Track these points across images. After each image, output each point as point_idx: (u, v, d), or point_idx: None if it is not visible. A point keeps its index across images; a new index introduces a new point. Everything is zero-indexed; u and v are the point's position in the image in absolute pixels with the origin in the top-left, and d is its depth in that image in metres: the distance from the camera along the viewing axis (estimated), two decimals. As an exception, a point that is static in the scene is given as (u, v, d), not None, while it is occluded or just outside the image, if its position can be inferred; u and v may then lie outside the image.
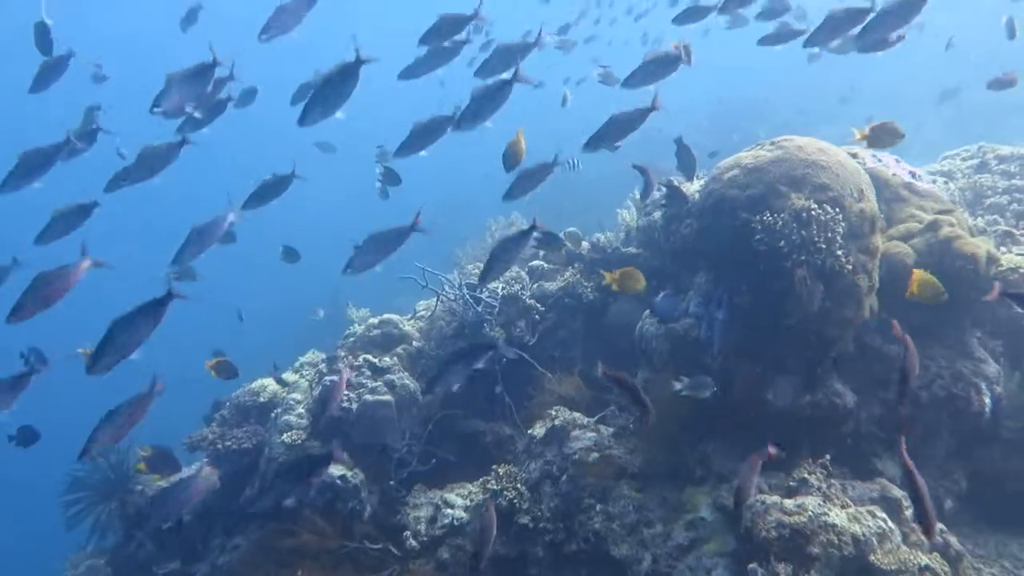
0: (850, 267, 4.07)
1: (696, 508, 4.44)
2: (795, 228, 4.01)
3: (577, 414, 5.29)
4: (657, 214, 6.60)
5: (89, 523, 6.36)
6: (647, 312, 5.52)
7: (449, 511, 5.22)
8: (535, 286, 6.83)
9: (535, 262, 7.49)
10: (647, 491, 4.69)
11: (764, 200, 4.20)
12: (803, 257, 3.99)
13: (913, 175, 5.06)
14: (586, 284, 6.65)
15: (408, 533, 5.17)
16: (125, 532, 6.04)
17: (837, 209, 4.07)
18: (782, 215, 4.06)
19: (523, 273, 7.12)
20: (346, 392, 5.51)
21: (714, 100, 22.08)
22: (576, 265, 6.91)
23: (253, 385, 6.50)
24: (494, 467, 5.19)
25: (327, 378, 5.58)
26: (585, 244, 7.49)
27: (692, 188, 5.14)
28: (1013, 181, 6.80)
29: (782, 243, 4.01)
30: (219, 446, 5.70)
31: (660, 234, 5.35)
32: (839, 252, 4.01)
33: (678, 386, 4.24)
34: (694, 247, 4.84)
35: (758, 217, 4.14)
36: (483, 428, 6.17)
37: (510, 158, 4.52)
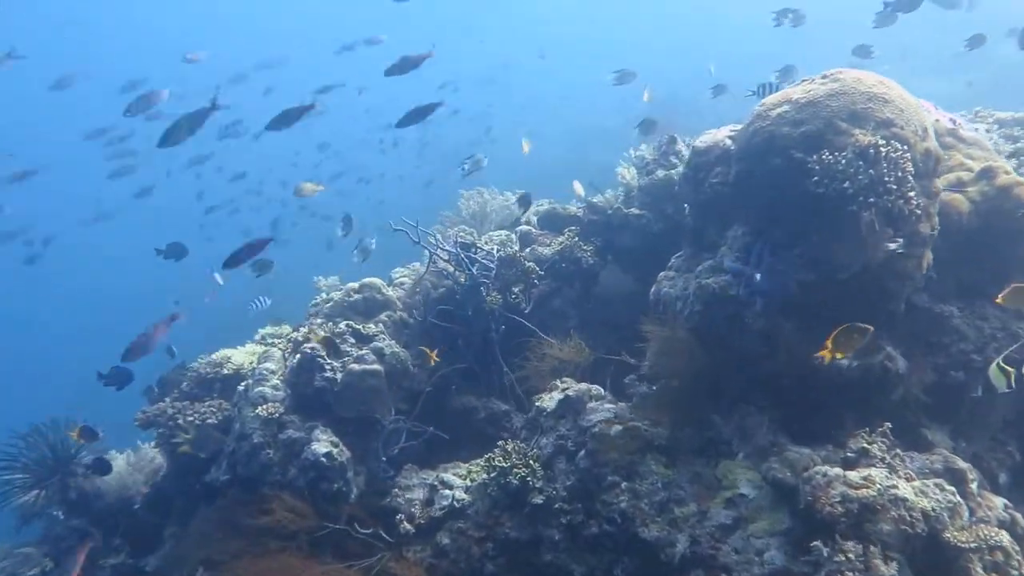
0: (919, 212, 3.64)
1: (735, 484, 3.97)
2: (861, 167, 3.56)
3: (589, 384, 4.78)
4: (661, 172, 6.14)
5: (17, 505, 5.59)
6: (663, 274, 5.05)
7: (448, 492, 4.67)
8: (527, 251, 6.30)
9: (523, 227, 6.96)
10: (676, 466, 4.21)
11: (821, 137, 3.74)
12: (871, 199, 3.54)
13: (953, 122, 4.68)
14: (585, 248, 6.15)
15: (401, 516, 4.61)
16: (66, 519, 5.30)
17: (905, 147, 3.64)
18: (844, 153, 3.61)
19: (513, 236, 6.59)
20: (329, 360, 4.89)
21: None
22: (572, 228, 6.39)
23: (214, 356, 5.81)
24: (500, 443, 4.64)
25: (306, 346, 4.94)
26: (570, 208, 7.02)
27: (720, 135, 4.66)
28: (1019, 145, 6.55)
29: (846, 184, 3.56)
30: (180, 421, 5.00)
31: (683, 186, 4.85)
32: (911, 194, 3.57)
33: None
34: (729, 196, 4.36)
35: (815, 156, 3.68)
36: (475, 404, 5.63)
37: None
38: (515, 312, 5.64)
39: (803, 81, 4.13)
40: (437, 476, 4.85)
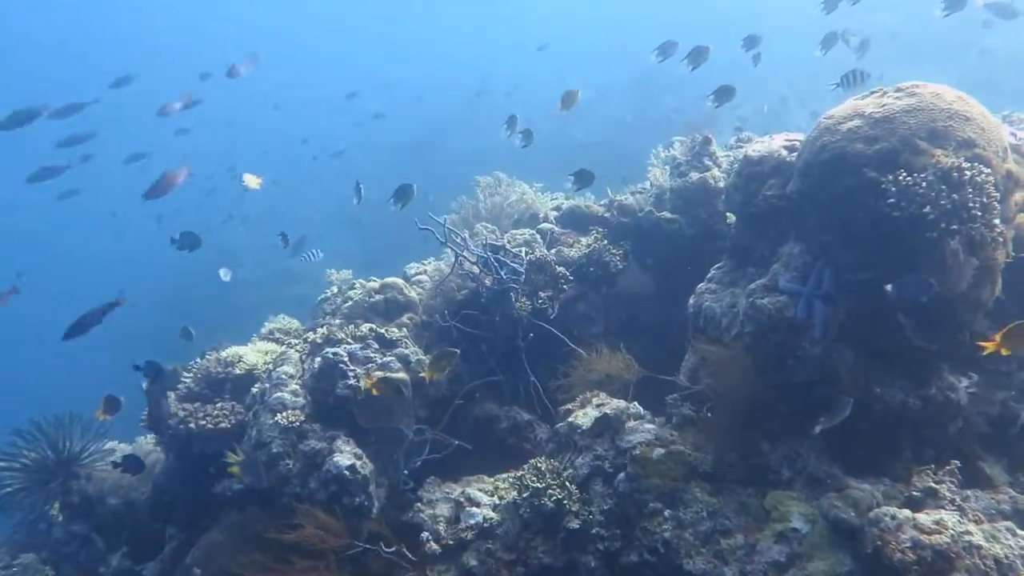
0: (1000, 239, 3.43)
1: (786, 517, 3.77)
2: (944, 191, 3.33)
3: (625, 402, 4.56)
4: (694, 175, 5.91)
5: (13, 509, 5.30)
6: (703, 286, 4.83)
7: (475, 510, 4.44)
8: (553, 251, 6.04)
9: (544, 225, 6.70)
10: (721, 494, 4.00)
11: (898, 156, 3.51)
12: (954, 227, 3.32)
13: (1015, 136, 4.46)
14: (614, 252, 5.91)
15: (427, 535, 4.37)
16: (67, 525, 5.03)
17: (988, 170, 3.42)
18: (924, 175, 3.38)
19: (538, 236, 6.32)
20: (352, 367, 4.63)
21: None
22: (599, 230, 6.15)
23: (224, 354, 5.51)
24: (532, 460, 4.42)
25: (329, 350, 4.68)
26: (593, 206, 6.74)
27: (774, 145, 4.42)
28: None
29: (927, 209, 3.33)
30: (191, 425, 4.73)
31: (732, 196, 4.61)
32: (996, 221, 3.36)
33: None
34: (785, 211, 4.14)
35: (891, 177, 3.45)
36: (497, 412, 5.39)
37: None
38: (542, 318, 5.39)
39: (872, 93, 3.90)
40: (462, 491, 4.61)
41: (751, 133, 7.35)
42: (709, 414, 4.17)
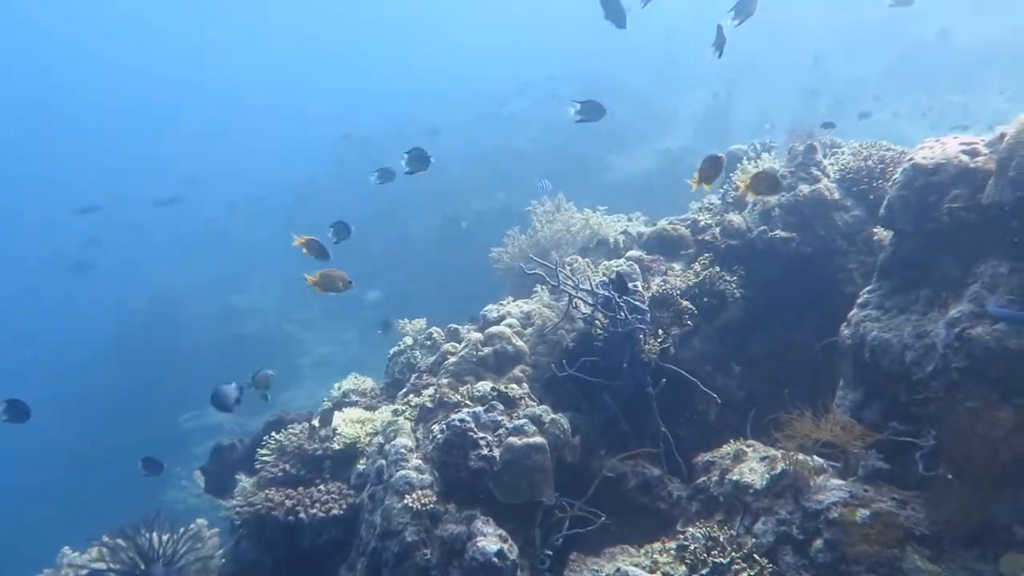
0: None
1: (1035, 585, 3.22)
2: None
3: (803, 455, 3.99)
4: (805, 187, 5.43)
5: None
6: (860, 313, 4.31)
7: (642, 592, 3.86)
8: (660, 280, 5.51)
9: (633, 252, 6.16)
10: (943, 560, 3.45)
11: None
12: None
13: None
14: (728, 279, 5.38)
15: (592, 628, 3.79)
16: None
17: None
18: None
19: (635, 265, 5.78)
20: (482, 435, 4.06)
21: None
22: (705, 255, 5.62)
23: (315, 425, 4.92)
24: (704, 529, 3.86)
25: (453, 418, 4.10)
26: (680, 228, 6.23)
27: (950, 150, 3.90)
28: None
29: None
30: (302, 515, 4.13)
31: (900, 210, 4.08)
32: None
33: None
34: (981, 225, 3.63)
35: None
36: (624, 469, 4.82)
37: None
38: (667, 359, 4.85)
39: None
40: (616, 569, 4.03)
41: (837, 138, 6.87)
42: (945, 474, 3.54)
